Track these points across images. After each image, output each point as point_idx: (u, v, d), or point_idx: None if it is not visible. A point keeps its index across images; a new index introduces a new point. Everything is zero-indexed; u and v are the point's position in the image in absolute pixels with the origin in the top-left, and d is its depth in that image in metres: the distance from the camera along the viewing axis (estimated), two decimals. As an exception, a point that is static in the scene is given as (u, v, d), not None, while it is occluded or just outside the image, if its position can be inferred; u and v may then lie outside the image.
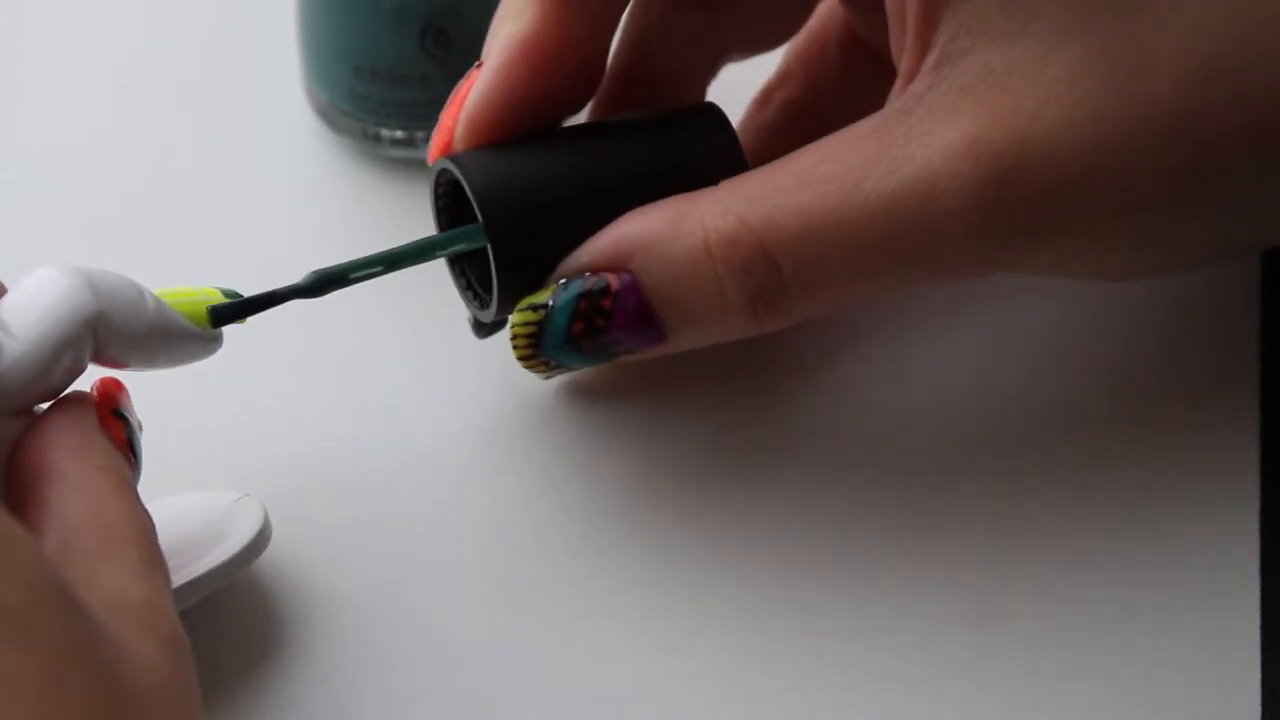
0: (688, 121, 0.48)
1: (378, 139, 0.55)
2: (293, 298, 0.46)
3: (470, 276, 0.49)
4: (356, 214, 0.55)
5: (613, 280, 0.45)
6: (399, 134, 0.55)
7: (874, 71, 0.50)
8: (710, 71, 0.52)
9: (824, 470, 0.50)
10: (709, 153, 0.47)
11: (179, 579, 0.44)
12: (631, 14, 0.51)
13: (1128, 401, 0.51)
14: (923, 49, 0.45)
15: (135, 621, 0.39)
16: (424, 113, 0.54)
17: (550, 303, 0.46)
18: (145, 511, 0.42)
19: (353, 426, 0.50)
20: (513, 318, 0.46)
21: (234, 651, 0.46)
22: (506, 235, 0.46)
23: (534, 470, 0.50)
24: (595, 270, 0.46)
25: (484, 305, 0.48)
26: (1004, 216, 0.44)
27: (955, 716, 0.46)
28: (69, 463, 0.42)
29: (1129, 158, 0.44)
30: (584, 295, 0.45)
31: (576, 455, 0.50)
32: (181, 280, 0.53)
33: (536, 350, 0.46)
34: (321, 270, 0.46)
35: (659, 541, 0.49)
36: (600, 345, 0.46)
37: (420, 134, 0.55)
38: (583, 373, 0.51)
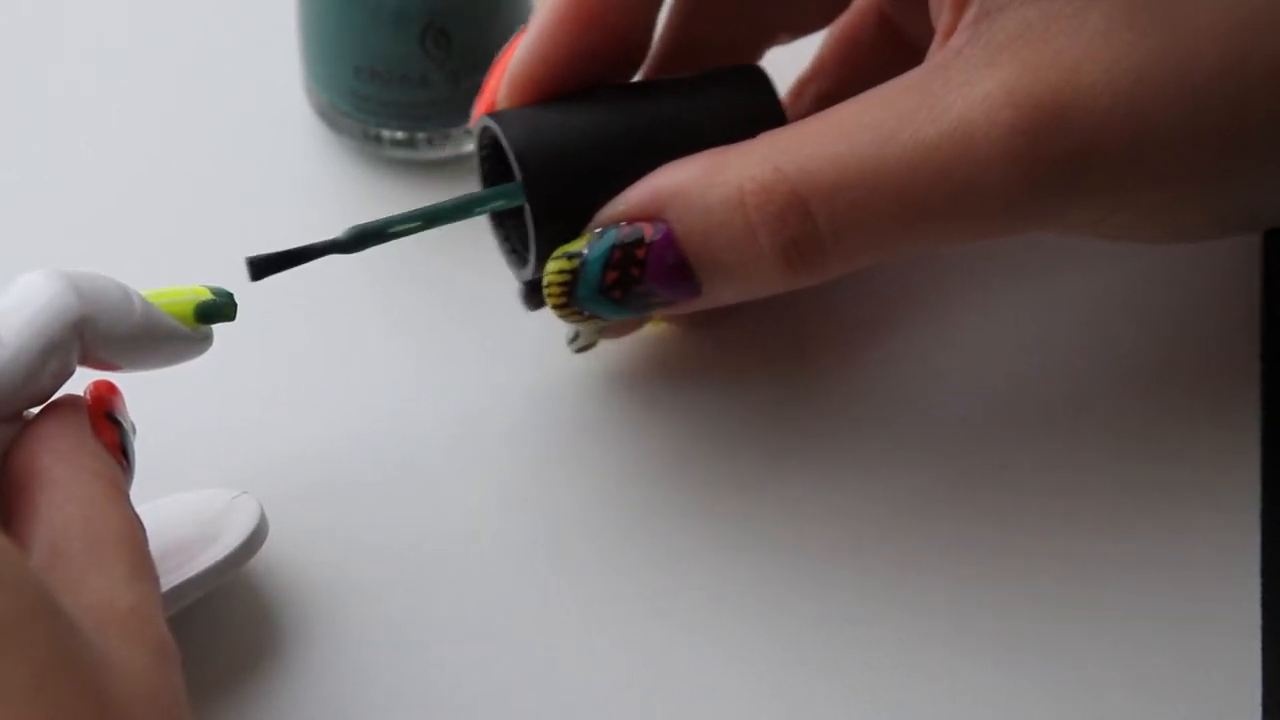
0: (729, 81, 0.48)
1: (378, 139, 0.55)
2: (330, 252, 0.46)
3: (513, 237, 0.49)
4: (356, 214, 0.55)
5: (648, 230, 0.45)
6: (399, 134, 0.55)
7: (908, 62, 0.50)
8: (756, 51, 0.52)
9: (838, 464, 0.50)
10: (750, 112, 0.47)
11: (174, 579, 0.44)
12: None
13: (1127, 401, 0.51)
14: (961, 5, 0.45)
15: (122, 629, 0.39)
16: (424, 113, 0.54)
17: (585, 251, 0.45)
18: (136, 517, 0.42)
19: (351, 426, 0.50)
20: (548, 266, 0.46)
21: (230, 652, 0.46)
22: (544, 191, 0.46)
23: (534, 469, 0.50)
24: (631, 220, 0.45)
25: (523, 263, 0.48)
26: (1042, 167, 0.43)
27: (954, 714, 0.46)
28: (60, 468, 0.42)
29: (1168, 111, 0.43)
30: (619, 245, 0.45)
31: (578, 454, 0.50)
32: (181, 280, 0.53)
33: (570, 300, 0.46)
34: (360, 225, 0.46)
35: (666, 538, 0.49)
36: (634, 295, 0.46)
37: (421, 134, 0.55)
38: (586, 371, 0.51)
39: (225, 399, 0.50)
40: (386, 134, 0.55)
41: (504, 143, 0.46)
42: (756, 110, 0.47)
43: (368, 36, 0.53)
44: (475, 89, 0.54)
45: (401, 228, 0.46)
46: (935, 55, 0.45)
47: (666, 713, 0.46)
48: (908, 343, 0.52)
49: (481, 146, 0.48)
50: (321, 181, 0.56)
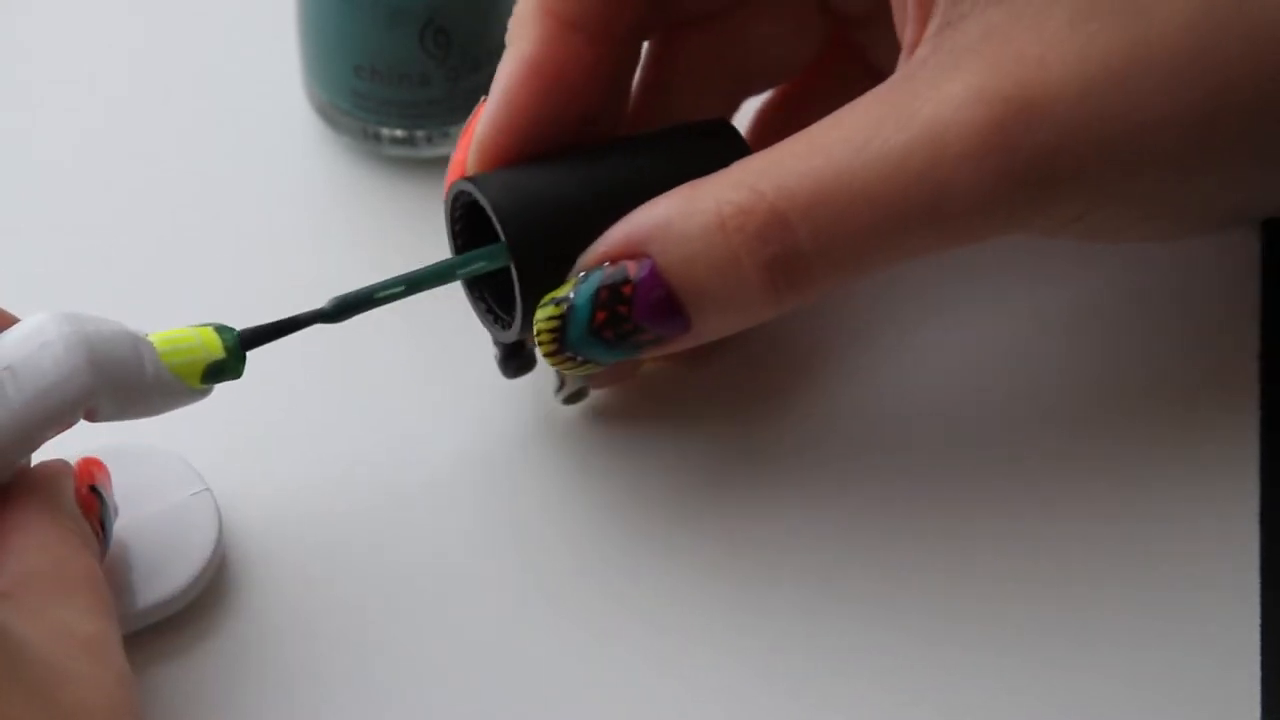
0: (702, 134, 0.48)
1: (378, 138, 0.55)
2: (315, 323, 0.45)
3: (490, 300, 0.48)
4: (356, 213, 0.55)
5: (631, 267, 0.45)
6: (399, 133, 0.55)
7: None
8: (732, 105, 0.52)
9: (825, 480, 0.50)
10: (724, 161, 0.46)
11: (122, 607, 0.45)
12: (651, 51, 0.51)
13: (1125, 401, 0.51)
14: (923, 18, 0.45)
15: (84, 652, 0.40)
16: (424, 112, 0.54)
17: (571, 295, 0.45)
18: (100, 571, 0.43)
19: (349, 450, 0.50)
20: (536, 314, 0.46)
21: (224, 665, 0.46)
22: (529, 249, 0.45)
23: (532, 481, 0.50)
24: (615, 259, 0.45)
25: (505, 326, 0.48)
26: (1017, 161, 0.43)
27: (954, 714, 0.46)
28: (36, 522, 0.43)
29: (1137, 99, 0.43)
30: (604, 285, 0.45)
31: (576, 472, 0.50)
32: (181, 280, 0.53)
33: (562, 345, 0.45)
34: (343, 295, 0.45)
35: (659, 556, 0.48)
36: (624, 334, 0.45)
37: (420, 133, 0.55)
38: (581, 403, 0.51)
39: (230, 415, 0.50)
40: (386, 132, 0.55)
41: (484, 204, 0.46)
42: (730, 159, 0.46)
43: (367, 35, 0.53)
44: (475, 87, 0.54)
45: (384, 294, 0.46)
46: (902, 68, 0.45)
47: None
48: (911, 354, 0.52)
49: (454, 214, 0.48)
50: (321, 180, 0.56)
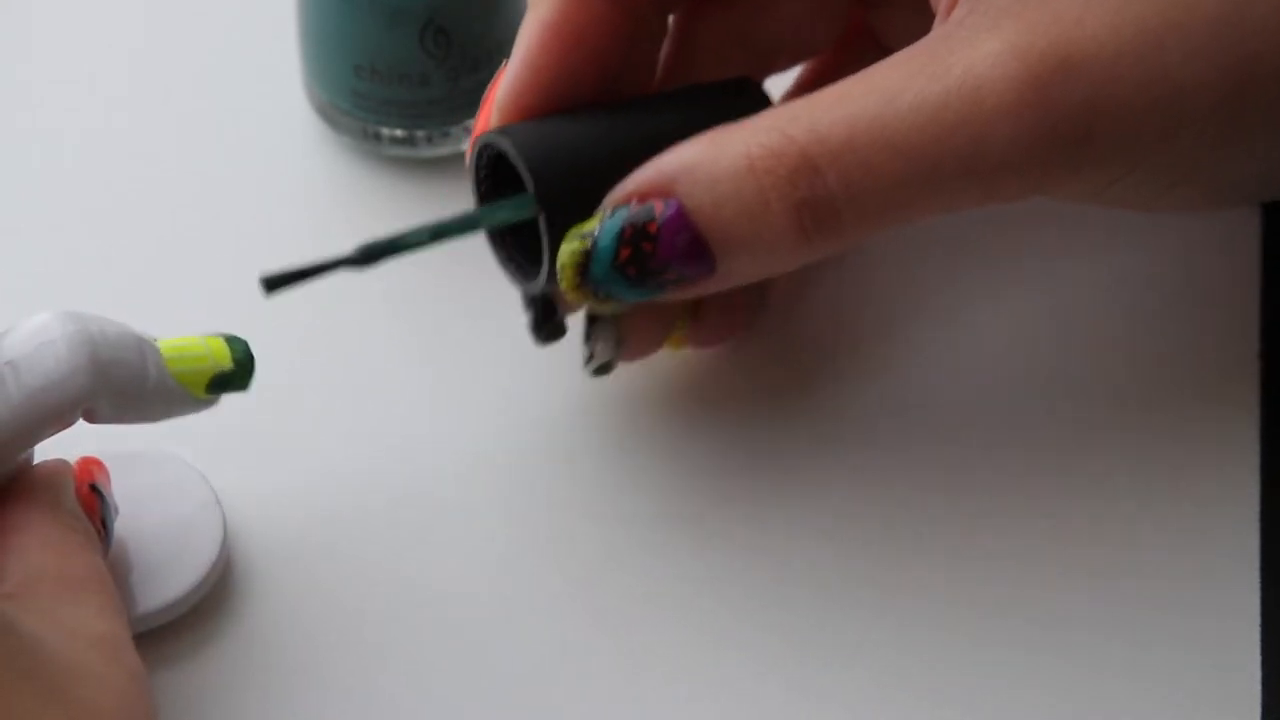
0: (726, 90, 0.48)
1: (378, 138, 0.55)
2: (340, 268, 0.45)
3: (516, 254, 0.48)
4: (356, 213, 0.55)
5: (658, 206, 0.44)
6: (399, 133, 0.55)
7: None
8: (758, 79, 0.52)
9: (828, 477, 0.50)
10: (749, 114, 0.46)
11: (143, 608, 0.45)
12: (676, 24, 0.51)
13: (1126, 401, 0.51)
14: None
15: (95, 650, 0.40)
16: (424, 112, 0.54)
17: (596, 231, 0.45)
18: (105, 568, 0.43)
19: (361, 451, 0.50)
20: (561, 248, 0.45)
21: (228, 677, 0.46)
22: (555, 198, 0.45)
23: (539, 484, 0.50)
24: (642, 198, 0.45)
25: (530, 277, 0.48)
26: (1052, 120, 0.43)
27: (957, 713, 0.46)
28: (38, 520, 0.43)
29: (1173, 62, 0.44)
30: (630, 223, 0.45)
31: (580, 474, 0.50)
32: (181, 280, 0.53)
33: (584, 279, 0.45)
34: (369, 242, 0.45)
35: (665, 556, 0.49)
36: (648, 273, 0.45)
37: (420, 133, 0.55)
38: (597, 397, 0.51)
39: (235, 418, 0.50)
40: (386, 132, 0.55)
41: (510, 153, 0.46)
42: (756, 113, 0.46)
43: (367, 35, 0.53)
44: (474, 87, 0.54)
45: (410, 241, 0.45)
46: (938, 28, 0.45)
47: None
48: (916, 349, 0.52)
49: (479, 171, 0.48)
50: (321, 180, 0.56)
